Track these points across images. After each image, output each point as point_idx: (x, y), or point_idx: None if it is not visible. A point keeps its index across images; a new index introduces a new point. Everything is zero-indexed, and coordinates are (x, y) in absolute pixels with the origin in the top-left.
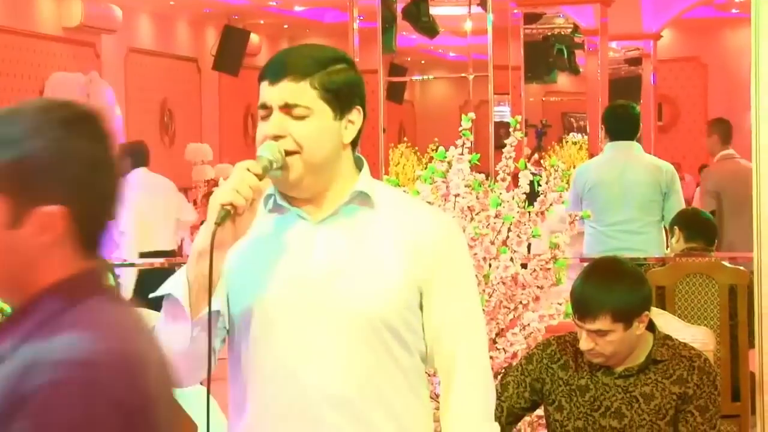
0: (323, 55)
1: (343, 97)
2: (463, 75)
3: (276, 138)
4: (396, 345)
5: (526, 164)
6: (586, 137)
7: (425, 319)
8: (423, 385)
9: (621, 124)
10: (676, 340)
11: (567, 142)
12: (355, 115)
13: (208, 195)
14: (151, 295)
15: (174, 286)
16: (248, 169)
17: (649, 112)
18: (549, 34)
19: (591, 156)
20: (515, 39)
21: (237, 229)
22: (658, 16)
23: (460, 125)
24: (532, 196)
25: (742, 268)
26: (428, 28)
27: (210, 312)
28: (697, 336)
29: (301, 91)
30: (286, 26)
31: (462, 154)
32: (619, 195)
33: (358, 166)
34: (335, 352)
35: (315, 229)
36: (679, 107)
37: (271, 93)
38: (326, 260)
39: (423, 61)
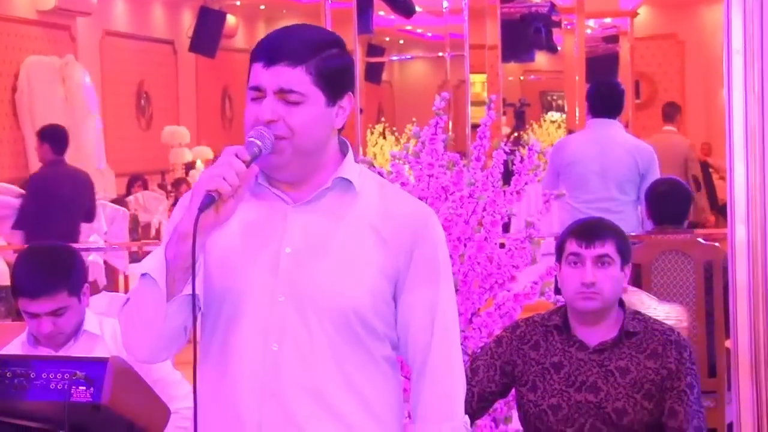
0: (318, 38)
1: (336, 83)
2: (440, 54)
3: (269, 122)
4: (367, 335)
5: (499, 143)
6: (564, 115)
7: (399, 309)
8: (395, 373)
9: (604, 102)
10: (646, 314)
11: (546, 120)
12: (346, 101)
13: (183, 179)
14: (129, 272)
15: (151, 266)
16: (236, 155)
17: (626, 90)
18: (526, 12)
19: (570, 134)
20: (492, 18)
21: (220, 215)
22: None
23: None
24: (508, 176)
25: (717, 244)
26: (404, 7)
27: (194, 295)
28: (670, 313)
29: (297, 77)
30: (262, 7)
31: (435, 133)
32: (596, 172)
33: (343, 151)
34: (306, 339)
35: (293, 212)
36: (656, 84)
37: (265, 76)
38: (301, 245)
39: (401, 41)
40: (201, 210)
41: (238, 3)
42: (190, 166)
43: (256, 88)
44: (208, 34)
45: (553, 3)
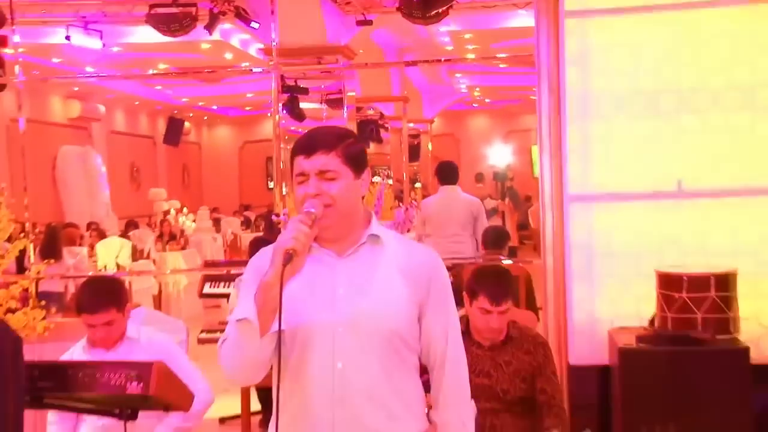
0: (340, 132)
1: (358, 162)
2: None
3: (315, 196)
4: (404, 348)
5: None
6: (390, 181)
7: (423, 328)
8: (417, 375)
9: (448, 175)
10: (519, 323)
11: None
12: (366, 174)
13: (164, 221)
14: (230, 318)
15: (247, 312)
16: (301, 222)
17: (428, 168)
18: (363, 119)
19: (396, 195)
20: (352, 121)
21: (294, 268)
22: (432, 108)
23: None
24: None
25: (521, 265)
26: (298, 115)
27: (279, 330)
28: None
29: (331, 160)
30: (205, 118)
31: None
32: (448, 218)
33: (368, 215)
34: (362, 357)
35: (340, 263)
36: None
37: (307, 164)
38: (350, 287)
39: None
40: (284, 265)
41: (191, 115)
42: (166, 213)
43: (302, 174)
44: (174, 132)
45: (382, 113)
